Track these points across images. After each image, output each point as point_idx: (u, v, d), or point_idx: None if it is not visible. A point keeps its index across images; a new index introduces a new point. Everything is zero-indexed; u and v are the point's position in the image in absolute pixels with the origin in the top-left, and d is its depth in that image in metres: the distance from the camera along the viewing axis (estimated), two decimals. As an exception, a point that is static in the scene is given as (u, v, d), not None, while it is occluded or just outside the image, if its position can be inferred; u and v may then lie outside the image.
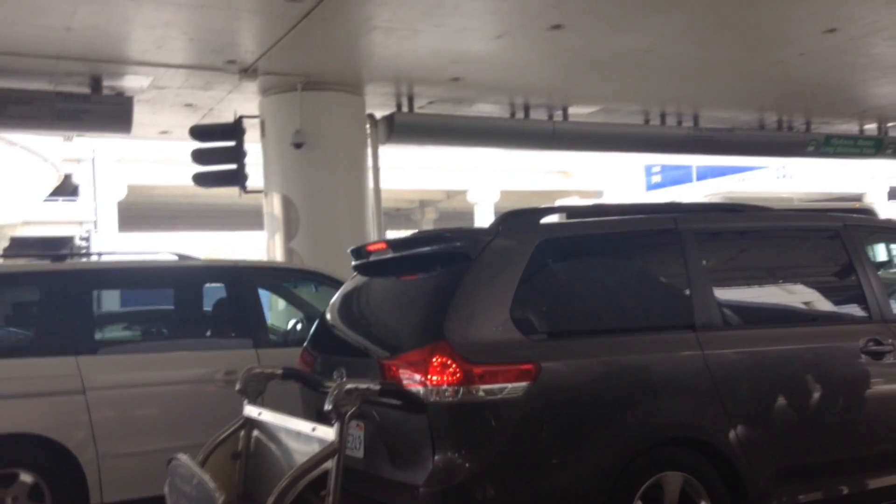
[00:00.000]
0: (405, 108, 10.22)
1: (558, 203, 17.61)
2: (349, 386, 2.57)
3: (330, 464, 2.61)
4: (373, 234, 9.63)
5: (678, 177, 26.21)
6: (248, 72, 8.61)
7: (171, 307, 6.14)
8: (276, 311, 6.88)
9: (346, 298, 4.43)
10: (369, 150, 9.87)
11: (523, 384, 3.30)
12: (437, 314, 3.45)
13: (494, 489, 3.26)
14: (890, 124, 13.72)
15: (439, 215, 39.64)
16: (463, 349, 3.30)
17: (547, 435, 3.37)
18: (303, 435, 2.99)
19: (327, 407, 2.51)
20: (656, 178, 27.40)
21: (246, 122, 9.50)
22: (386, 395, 2.63)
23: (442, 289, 3.59)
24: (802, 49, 8.90)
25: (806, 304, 4.41)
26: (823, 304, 4.44)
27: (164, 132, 11.41)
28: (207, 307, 5.94)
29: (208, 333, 5.84)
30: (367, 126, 9.92)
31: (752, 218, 4.51)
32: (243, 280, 5.66)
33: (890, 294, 4.37)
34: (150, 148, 23.27)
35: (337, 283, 6.12)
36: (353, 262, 4.42)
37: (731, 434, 3.65)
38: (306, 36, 7.64)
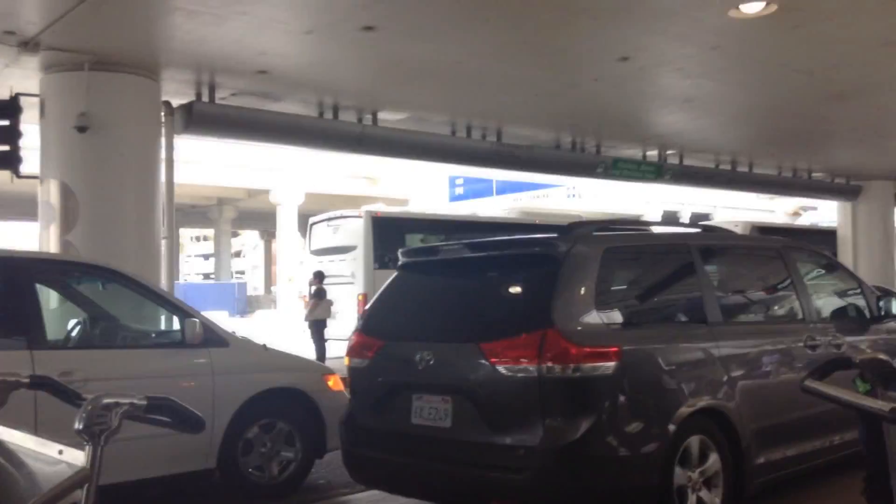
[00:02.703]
0: (206, 98, 9.70)
1: (364, 208, 17.56)
2: (107, 401, 2.05)
3: (80, 493, 2.09)
4: (162, 231, 9.02)
5: (480, 190, 27.01)
6: (28, 45, 7.79)
7: None
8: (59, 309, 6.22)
9: (414, 288, 5.00)
10: (163, 140, 9.25)
11: (612, 363, 4.05)
12: (542, 305, 4.15)
13: (593, 447, 3.99)
14: (669, 152, 14.90)
15: (238, 214, 38.35)
16: (568, 334, 4.04)
17: (626, 404, 4.13)
18: (48, 458, 2.46)
19: (78, 426, 2.00)
20: (459, 190, 28.08)
21: (23, 101, 8.61)
22: (155, 410, 2.14)
23: (539, 285, 4.31)
24: (597, 74, 9.41)
25: (769, 306, 5.70)
26: (779, 308, 5.69)
27: (-77, 104, 10.08)
28: None
29: None
30: (162, 114, 9.30)
31: (726, 237, 5.87)
32: (18, 272, 5.06)
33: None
34: None
35: (129, 281, 5.61)
36: (410, 259, 5.07)
37: (732, 404, 4.56)
38: (97, 11, 7.02)
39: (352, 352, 4.89)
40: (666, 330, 4.65)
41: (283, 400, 5.75)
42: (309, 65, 8.87)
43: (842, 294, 6.07)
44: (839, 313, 5.69)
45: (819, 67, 9.23)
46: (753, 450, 4.60)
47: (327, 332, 14.23)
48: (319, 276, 14.43)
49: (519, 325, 4.18)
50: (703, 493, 4.34)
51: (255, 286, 52.62)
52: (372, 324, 4.95)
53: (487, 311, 4.57)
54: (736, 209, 38.27)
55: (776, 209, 40.64)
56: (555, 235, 4.59)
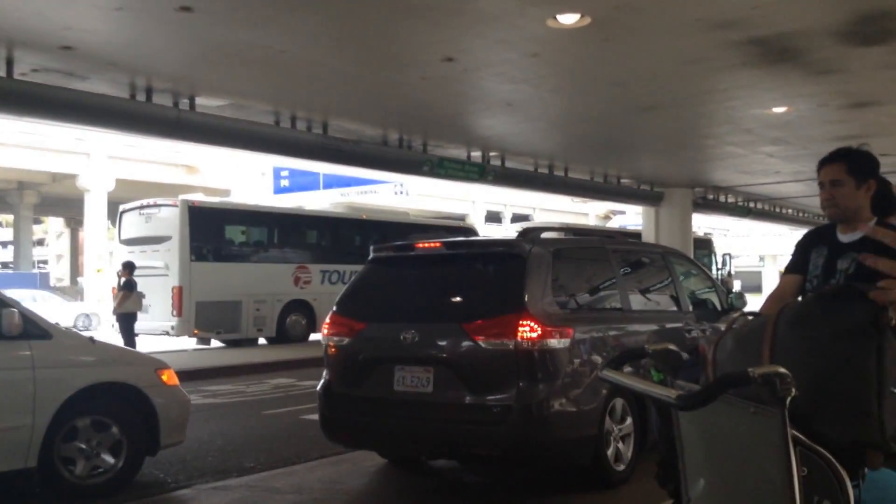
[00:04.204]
0: (2, 74, 8.86)
1: (180, 197, 16.81)
2: None
3: None
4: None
5: (306, 183, 26.49)
6: None
7: None
8: None
9: (389, 278, 5.89)
10: (-52, 115, 8.36)
11: (568, 339, 5.14)
12: (515, 293, 5.17)
13: (556, 403, 5.03)
14: (492, 153, 15.32)
15: (42, 200, 35.55)
16: (537, 316, 5.05)
17: (576, 371, 5.19)
18: None
19: None
20: (285, 182, 27.41)
21: None
22: None
23: (510, 277, 5.29)
24: (423, 73, 9.49)
25: (658, 297, 6.72)
26: (665, 299, 6.70)
27: None
28: None
29: None
30: (-52, 86, 8.40)
31: (630, 243, 7.16)
32: None
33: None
34: None
35: None
36: (383, 254, 5.99)
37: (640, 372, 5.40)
38: None
39: (330, 331, 5.67)
40: (597, 314, 5.80)
41: (112, 396, 5.43)
42: (119, 43, 8.32)
43: (702, 291, 7.36)
44: (700, 305, 6.94)
45: (629, 80, 9.81)
46: (652, 410, 5.52)
47: (137, 326, 13.46)
48: (129, 267, 13.62)
49: (496, 309, 5.17)
50: (622, 443, 5.52)
51: (60, 277, 48.95)
52: (349, 307, 5.74)
53: (464, 298, 5.55)
54: (553, 211, 40.08)
55: (589, 212, 42.95)
56: (515, 238, 5.90)
